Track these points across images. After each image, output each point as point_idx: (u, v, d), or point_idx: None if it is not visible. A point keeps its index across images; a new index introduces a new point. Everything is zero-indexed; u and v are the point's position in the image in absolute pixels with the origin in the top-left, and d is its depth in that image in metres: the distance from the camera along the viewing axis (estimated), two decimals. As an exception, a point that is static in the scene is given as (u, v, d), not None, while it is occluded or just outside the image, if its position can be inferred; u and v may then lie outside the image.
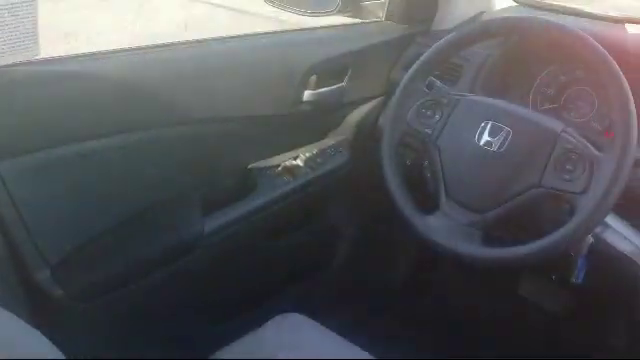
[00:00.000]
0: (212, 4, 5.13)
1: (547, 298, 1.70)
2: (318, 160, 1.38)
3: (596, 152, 0.94)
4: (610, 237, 1.09)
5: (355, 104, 1.46)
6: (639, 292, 1.09)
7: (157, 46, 1.18)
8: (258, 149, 1.35)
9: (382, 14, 1.50)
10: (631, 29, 1.30)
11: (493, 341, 1.64)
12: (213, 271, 1.29)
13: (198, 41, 1.24)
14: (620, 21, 1.37)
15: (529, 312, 1.72)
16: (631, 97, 0.91)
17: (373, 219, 1.59)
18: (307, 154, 1.39)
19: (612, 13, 1.42)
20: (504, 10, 1.52)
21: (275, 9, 1.49)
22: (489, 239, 1.00)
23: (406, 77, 1.12)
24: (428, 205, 1.07)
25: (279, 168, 1.35)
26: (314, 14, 1.44)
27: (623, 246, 1.09)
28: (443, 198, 1.05)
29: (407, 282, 1.83)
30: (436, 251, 1.03)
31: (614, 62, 0.93)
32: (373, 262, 1.73)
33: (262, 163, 1.35)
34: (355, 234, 1.65)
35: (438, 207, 1.06)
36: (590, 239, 1.04)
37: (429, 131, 1.08)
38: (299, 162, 1.37)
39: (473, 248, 0.99)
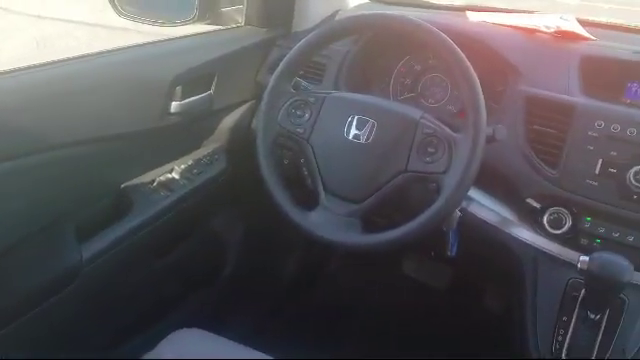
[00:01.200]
0: (65, 20, 4.85)
1: (430, 273, 1.81)
2: (194, 171, 1.36)
3: (453, 133, 1.01)
4: (476, 209, 1.19)
5: (226, 110, 1.46)
6: (508, 256, 1.19)
7: (11, 71, 1.10)
8: (130, 167, 1.30)
9: (241, 19, 1.51)
10: (472, 16, 1.41)
11: (387, 321, 1.72)
12: (101, 296, 1.24)
13: (54, 62, 1.17)
14: (462, 9, 1.49)
15: (415, 288, 1.82)
16: (476, 79, 0.99)
17: (258, 222, 1.60)
18: (182, 166, 1.36)
19: (457, 3, 1.55)
20: (358, 7, 1.60)
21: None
22: (369, 226, 1.05)
23: (272, 80, 1.14)
24: (310, 201, 1.10)
25: (154, 184, 1.32)
26: (172, 24, 1.41)
27: (488, 216, 1.19)
28: (322, 193, 1.08)
29: (298, 279, 1.87)
30: (320, 244, 1.07)
31: (457, 48, 1.00)
32: (263, 264, 1.74)
33: (136, 181, 1.31)
34: (242, 239, 1.65)
35: (318, 202, 1.09)
36: (458, 214, 1.12)
37: (301, 130, 1.11)
38: (175, 175, 1.35)
39: (354, 237, 1.04)
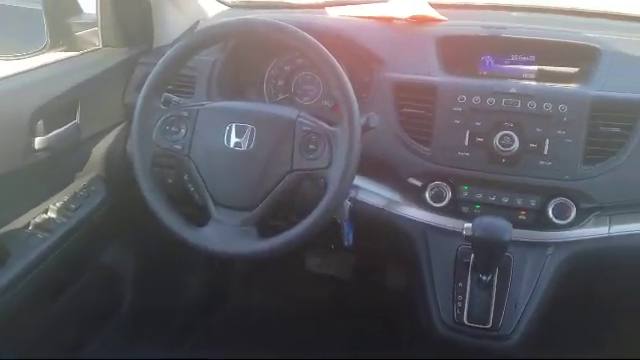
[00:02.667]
0: None
1: (333, 266, 1.85)
2: (72, 206, 1.28)
3: (330, 128, 1.03)
4: (364, 197, 1.23)
5: (96, 137, 1.39)
6: (401, 235, 1.24)
7: None
8: (1, 213, 1.20)
9: (98, 41, 1.45)
10: (332, 12, 1.45)
11: (301, 319, 1.73)
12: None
13: None
14: (321, 6, 1.53)
15: (321, 283, 1.85)
16: (343, 73, 1.02)
17: (151, 247, 1.54)
18: (57, 204, 1.27)
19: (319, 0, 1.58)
20: (219, 15, 1.58)
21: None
22: (266, 231, 1.05)
23: (140, 99, 1.09)
24: (202, 217, 1.08)
25: (30, 228, 1.22)
26: (21, 57, 1.32)
27: (376, 201, 1.24)
28: (212, 206, 1.06)
29: (204, 295, 1.83)
30: (217, 258, 1.05)
31: (320, 45, 1.02)
32: (165, 288, 1.68)
33: (9, 227, 1.21)
34: (138, 268, 1.59)
35: (210, 216, 1.07)
36: (348, 203, 1.15)
37: (179, 147, 1.08)
38: (51, 215, 1.26)
39: (251, 245, 1.03)
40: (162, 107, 1.11)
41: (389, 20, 1.36)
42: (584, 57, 1.20)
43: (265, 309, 1.80)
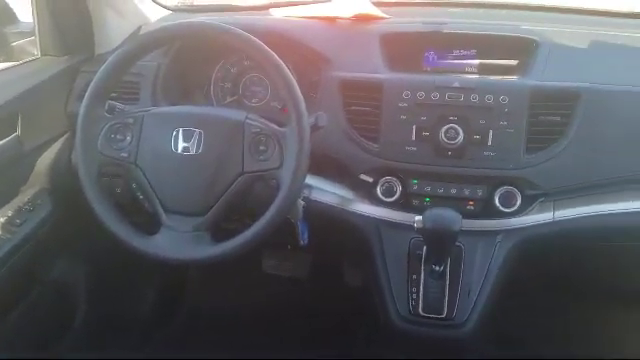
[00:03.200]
0: None
1: (290, 266, 1.85)
2: (16, 221, 1.24)
3: (279, 128, 1.03)
4: (317, 195, 1.24)
5: (39, 149, 1.35)
6: (355, 231, 1.25)
7: None
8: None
9: (37, 51, 1.40)
10: (276, 13, 1.45)
11: (260, 322, 1.72)
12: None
13: None
14: (265, 8, 1.53)
15: (279, 284, 1.85)
16: (289, 74, 1.02)
17: (103, 259, 1.50)
18: (1, 219, 1.23)
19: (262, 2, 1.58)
20: (162, 20, 1.56)
21: None
22: (220, 235, 1.04)
23: (82, 107, 1.07)
24: (154, 225, 1.06)
25: (-27, 245, 1.18)
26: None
27: (330, 199, 1.25)
28: (162, 214, 1.05)
29: (161, 304, 1.80)
30: (170, 265, 1.03)
31: (264, 46, 1.02)
32: (118, 299, 1.65)
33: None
34: (90, 280, 1.55)
35: (161, 224, 1.06)
36: (302, 203, 1.15)
37: (125, 154, 1.06)
38: (-5, 231, 1.22)
39: (204, 250, 1.02)
40: (106, 115, 1.09)
41: (333, 20, 1.37)
42: (523, 49, 1.24)
43: (222, 313, 1.79)
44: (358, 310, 1.55)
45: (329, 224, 1.27)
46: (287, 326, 1.71)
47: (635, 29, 1.32)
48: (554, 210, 1.17)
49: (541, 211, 1.17)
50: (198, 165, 1.04)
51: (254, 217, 1.02)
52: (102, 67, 1.07)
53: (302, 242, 1.21)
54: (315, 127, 1.05)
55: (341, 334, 1.60)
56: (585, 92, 1.13)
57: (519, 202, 1.14)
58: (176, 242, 1.03)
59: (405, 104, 1.17)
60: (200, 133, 1.04)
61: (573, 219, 1.16)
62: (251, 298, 1.82)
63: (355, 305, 1.54)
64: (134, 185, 1.19)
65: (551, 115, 1.14)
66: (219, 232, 1.05)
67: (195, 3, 1.72)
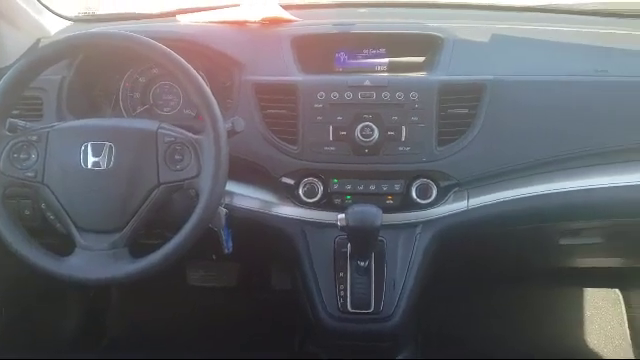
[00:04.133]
0: None
1: (216, 276, 1.82)
2: None
3: (195, 136, 1.02)
4: (239, 202, 1.23)
5: None
6: (280, 235, 1.25)
7: None
8: None
9: None
10: (183, 19, 1.42)
11: (191, 337, 1.69)
12: None
13: None
14: (172, 14, 1.50)
15: (206, 296, 1.82)
16: (200, 80, 1.01)
17: (14, 285, 1.42)
18: None
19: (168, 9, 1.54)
20: (62, 31, 1.49)
21: None
22: (140, 251, 1.01)
23: None
24: (68, 246, 1.02)
25: None
26: None
27: (252, 204, 1.24)
28: (76, 233, 1.01)
29: (82, 328, 1.72)
30: (89, 287, 0.99)
31: (173, 53, 1.00)
32: (37, 325, 1.56)
33: None
34: (7, 308, 1.45)
35: (76, 244, 1.01)
36: (224, 210, 1.14)
37: (31, 174, 1.01)
38: None
39: (123, 267, 0.99)
40: (7, 134, 1.03)
41: (242, 24, 1.36)
42: (429, 46, 1.28)
43: (149, 333, 1.73)
44: (289, 313, 1.55)
45: (253, 229, 1.26)
46: (220, 337, 1.69)
47: (533, 22, 1.41)
48: (468, 199, 1.21)
49: (456, 200, 1.21)
50: (110, 180, 1.00)
51: (174, 230, 1.00)
52: None
53: (227, 250, 1.20)
54: (232, 132, 1.04)
55: (275, 339, 1.59)
56: (489, 84, 1.19)
57: (435, 194, 1.18)
58: (92, 262, 0.99)
59: (320, 105, 1.18)
60: (110, 146, 1.01)
61: (486, 205, 1.21)
62: (179, 314, 1.78)
63: (286, 308, 1.54)
64: (43, 205, 1.14)
65: (459, 108, 1.19)
66: (139, 248, 1.02)
67: (97, 13, 1.64)
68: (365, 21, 1.36)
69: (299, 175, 1.20)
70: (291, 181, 1.21)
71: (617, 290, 1.89)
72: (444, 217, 1.21)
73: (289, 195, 1.22)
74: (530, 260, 1.59)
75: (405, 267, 1.19)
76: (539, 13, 1.52)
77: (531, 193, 1.22)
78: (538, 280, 1.85)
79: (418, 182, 1.18)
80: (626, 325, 1.84)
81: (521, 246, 1.43)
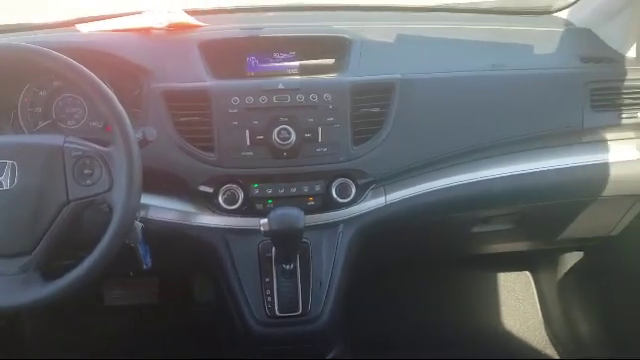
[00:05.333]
0: None
1: (135, 294, 1.75)
2: None
3: (104, 148, 0.97)
4: (156, 214, 1.19)
5: None
6: (202, 245, 1.22)
7: None
8: None
9: None
10: (84, 28, 1.36)
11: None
12: None
13: None
14: (71, 24, 1.42)
15: (126, 316, 1.74)
16: (107, 90, 0.96)
17: None
18: None
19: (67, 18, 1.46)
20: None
21: None
22: (52, 273, 0.95)
23: None
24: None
25: None
26: None
27: (170, 216, 1.20)
28: None
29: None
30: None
31: (76, 64, 0.96)
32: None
33: None
34: None
35: None
36: (140, 225, 1.09)
37: None
38: None
39: (34, 292, 0.93)
40: None
41: (147, 31, 1.32)
42: (337, 48, 1.30)
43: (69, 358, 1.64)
44: (217, 323, 1.52)
45: (173, 242, 1.23)
46: (145, 357, 1.62)
47: (435, 22, 1.47)
48: (385, 194, 1.24)
49: (374, 197, 1.24)
50: (15, 200, 0.94)
51: (88, 248, 0.95)
52: None
53: (145, 266, 1.15)
54: (144, 142, 1.01)
55: (202, 353, 1.55)
56: (398, 83, 1.22)
57: (354, 192, 1.20)
58: (1, 288, 0.92)
59: (235, 110, 1.17)
60: (13, 165, 0.95)
61: (403, 200, 1.25)
62: (98, 336, 1.69)
63: (212, 319, 1.51)
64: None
65: (371, 107, 1.21)
66: (51, 270, 0.96)
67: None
68: (274, 25, 1.36)
69: (218, 182, 1.18)
70: (210, 189, 1.18)
71: (527, 272, 2.01)
72: (364, 214, 1.23)
73: (209, 204, 1.20)
74: (446, 250, 1.65)
75: (330, 266, 1.20)
76: (440, 13, 1.58)
77: (444, 185, 1.27)
78: (454, 268, 1.93)
79: (337, 182, 1.19)
80: (537, 305, 1.96)
81: (437, 237, 1.48)
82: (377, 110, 1.21)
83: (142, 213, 1.15)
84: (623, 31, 1.42)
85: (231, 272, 1.20)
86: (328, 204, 1.20)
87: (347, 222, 1.22)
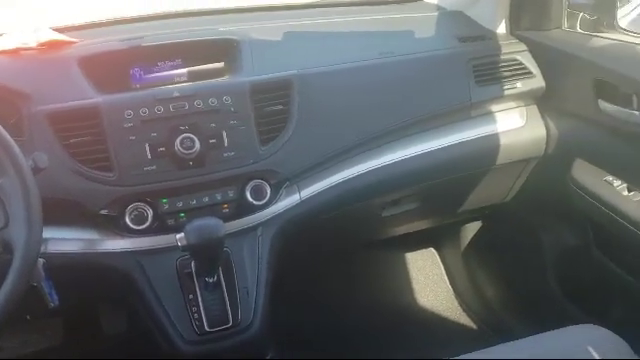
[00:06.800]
0: None
1: (36, 339, 1.60)
2: None
3: None
4: (58, 247, 1.10)
5: None
6: (114, 273, 1.14)
7: None
8: None
9: None
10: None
11: None
12: None
13: None
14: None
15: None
16: None
17: None
18: None
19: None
20: None
21: None
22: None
23: None
24: None
25: None
26: None
27: (74, 247, 1.11)
28: None
29: None
30: None
31: None
32: None
33: None
34: None
35: None
36: (41, 261, 0.99)
37: None
38: None
39: None
40: None
41: (16, 52, 1.20)
42: (226, 50, 1.27)
43: None
44: (135, 353, 1.42)
45: (79, 275, 1.13)
46: None
47: (322, 17, 1.49)
48: (299, 191, 1.24)
49: (288, 195, 1.23)
50: None
51: None
52: None
53: (53, 304, 1.05)
54: (36, 170, 0.92)
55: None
56: (295, 78, 1.22)
57: (269, 193, 1.17)
58: None
59: (130, 124, 1.10)
60: None
61: (317, 194, 1.25)
62: None
63: (132, 349, 1.41)
64: None
65: (273, 105, 1.20)
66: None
67: None
68: (155, 33, 1.30)
69: (122, 203, 1.10)
70: (114, 212, 1.10)
71: (432, 249, 2.10)
72: (280, 214, 1.21)
73: (115, 227, 1.11)
74: (361, 236, 1.68)
75: (255, 272, 1.17)
76: (327, 8, 1.61)
77: (353, 174, 1.29)
78: (367, 253, 1.98)
79: (251, 184, 1.16)
80: (446, 278, 2.06)
81: (352, 225, 1.50)
82: (279, 108, 1.20)
83: (42, 248, 1.04)
84: (491, 10, 1.53)
85: (150, 296, 1.13)
86: (244, 209, 1.17)
87: (265, 224, 1.20)
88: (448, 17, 1.57)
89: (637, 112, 1.21)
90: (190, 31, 1.33)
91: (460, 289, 2.01)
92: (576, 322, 1.07)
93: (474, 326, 1.91)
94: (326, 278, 1.92)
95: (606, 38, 1.34)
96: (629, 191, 1.30)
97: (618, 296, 1.42)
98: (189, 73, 1.27)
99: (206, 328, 1.11)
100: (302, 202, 1.23)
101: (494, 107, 1.44)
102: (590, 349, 0.98)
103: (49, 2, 2.61)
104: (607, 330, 1.04)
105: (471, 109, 1.40)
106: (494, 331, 1.85)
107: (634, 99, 1.22)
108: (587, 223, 1.44)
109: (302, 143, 1.21)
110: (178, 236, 1.02)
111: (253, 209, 1.17)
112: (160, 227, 1.12)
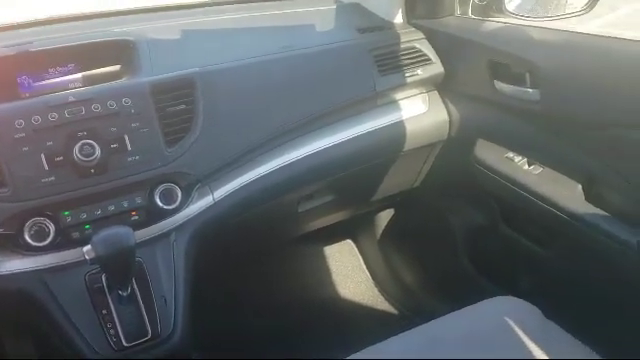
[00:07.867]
0: None
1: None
2: None
3: None
4: None
5: None
6: (13, 297, 1.05)
7: None
8: None
9: None
10: None
11: None
12: None
13: None
14: None
15: None
16: None
17: None
18: None
19: None
20: None
21: None
22: None
23: None
24: None
25: None
26: None
27: None
28: None
29: None
30: None
31: None
32: None
33: None
34: None
35: None
36: None
37: None
38: None
39: None
40: None
41: None
42: (122, 52, 1.21)
43: None
44: None
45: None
46: None
47: (221, 13, 1.47)
48: (212, 192, 1.20)
49: (200, 197, 1.19)
50: None
51: None
52: None
53: None
54: None
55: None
56: (198, 76, 1.18)
57: (180, 196, 1.13)
58: None
59: (22, 134, 1.02)
60: None
61: (230, 194, 1.22)
62: None
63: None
64: None
65: (177, 105, 1.15)
66: None
67: None
68: (44, 38, 1.22)
69: (20, 220, 1.02)
70: (11, 230, 1.02)
71: (349, 240, 2.13)
72: (194, 217, 1.17)
73: (14, 246, 1.03)
74: (278, 233, 1.66)
75: (171, 279, 1.12)
76: (223, 6, 1.57)
77: (265, 171, 1.28)
78: (287, 250, 1.97)
79: (160, 189, 1.11)
80: (364, 268, 2.09)
81: (269, 223, 1.48)
82: (183, 107, 1.16)
83: None
84: (387, 1, 1.57)
85: (58, 316, 1.05)
86: (154, 215, 1.11)
87: (179, 229, 1.15)
88: (347, 9, 1.59)
89: (530, 90, 1.29)
90: (83, 34, 1.25)
91: (379, 277, 2.04)
92: (491, 295, 1.11)
93: (395, 311, 1.95)
94: (246, 279, 1.90)
95: (496, 22, 1.41)
96: (529, 165, 1.37)
97: (527, 266, 1.50)
98: (84, 78, 1.19)
99: (124, 343, 1.05)
100: (216, 204, 1.20)
101: (398, 95, 1.47)
102: (506, 319, 1.02)
103: None
104: (520, 299, 1.09)
105: (377, 98, 1.42)
106: (415, 314, 1.90)
107: (527, 77, 1.29)
108: (493, 200, 1.51)
109: (210, 142, 1.17)
110: (85, 249, 0.96)
111: (164, 214, 1.12)
112: (64, 241, 1.05)
